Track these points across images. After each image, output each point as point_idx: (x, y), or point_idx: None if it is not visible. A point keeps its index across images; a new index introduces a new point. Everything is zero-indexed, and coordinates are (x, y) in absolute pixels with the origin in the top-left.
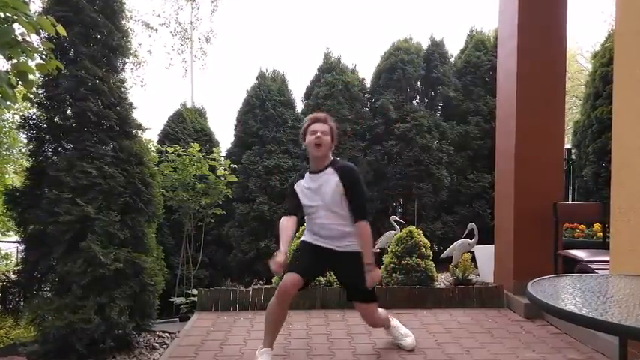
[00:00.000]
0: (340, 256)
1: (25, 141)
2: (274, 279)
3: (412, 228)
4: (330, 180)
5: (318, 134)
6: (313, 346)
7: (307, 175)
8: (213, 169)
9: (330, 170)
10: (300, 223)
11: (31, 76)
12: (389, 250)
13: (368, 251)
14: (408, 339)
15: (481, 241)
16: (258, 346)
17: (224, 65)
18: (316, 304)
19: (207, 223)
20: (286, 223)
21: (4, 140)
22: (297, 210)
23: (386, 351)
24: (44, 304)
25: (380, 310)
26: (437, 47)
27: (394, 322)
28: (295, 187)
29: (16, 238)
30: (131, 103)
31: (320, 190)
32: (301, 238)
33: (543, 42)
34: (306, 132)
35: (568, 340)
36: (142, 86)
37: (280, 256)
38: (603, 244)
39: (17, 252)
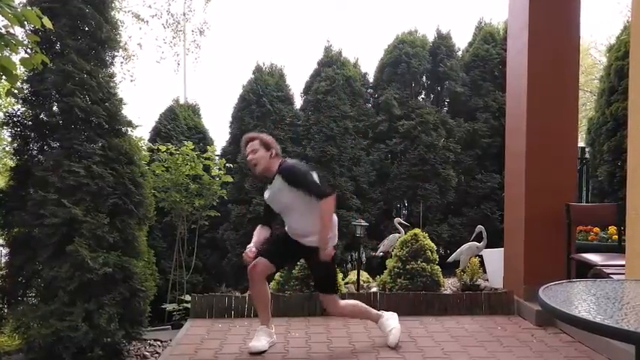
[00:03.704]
0: (307, 250)
1: (9, 139)
2: (272, 284)
3: (417, 231)
4: (278, 184)
5: (250, 156)
6: (313, 356)
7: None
8: (207, 169)
9: (277, 176)
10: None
11: (15, 71)
12: (393, 254)
13: (320, 234)
14: (390, 338)
15: (490, 245)
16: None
17: (219, 59)
18: (316, 311)
19: (201, 226)
20: (260, 230)
21: None
22: (269, 219)
23: None
24: (29, 311)
25: (347, 302)
26: (443, 40)
27: (384, 317)
28: (264, 197)
29: None
30: (121, 99)
31: (275, 196)
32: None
33: (555, 35)
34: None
35: (582, 349)
36: (131, 81)
37: (251, 249)
38: (619, 248)
39: (1, 256)
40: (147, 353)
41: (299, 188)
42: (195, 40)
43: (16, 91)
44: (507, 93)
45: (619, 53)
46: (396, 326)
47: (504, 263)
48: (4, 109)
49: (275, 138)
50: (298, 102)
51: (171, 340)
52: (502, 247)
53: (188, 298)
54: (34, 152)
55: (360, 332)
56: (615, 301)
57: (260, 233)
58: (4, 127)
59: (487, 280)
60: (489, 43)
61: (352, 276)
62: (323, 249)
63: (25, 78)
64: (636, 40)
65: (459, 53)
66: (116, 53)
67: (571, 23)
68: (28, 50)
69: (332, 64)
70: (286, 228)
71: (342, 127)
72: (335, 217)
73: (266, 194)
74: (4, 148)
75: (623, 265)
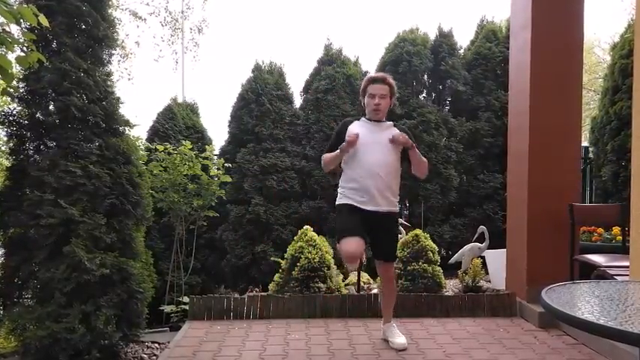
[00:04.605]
0: (380, 218)
1: (5, 138)
2: (271, 286)
3: (418, 231)
4: (392, 131)
5: (377, 99)
6: (313, 358)
7: (365, 120)
8: (205, 169)
9: (390, 124)
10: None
11: (11, 70)
12: None
13: (419, 154)
14: (401, 339)
15: (492, 246)
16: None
17: (217, 57)
18: (316, 313)
19: (199, 226)
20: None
21: None
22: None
23: None
24: (25, 312)
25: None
26: (445, 38)
27: (395, 323)
28: (352, 127)
29: None
30: (118, 98)
31: (382, 132)
32: (340, 202)
33: (559, 33)
34: (365, 92)
35: (585, 352)
36: (129, 80)
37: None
38: (623, 249)
39: None
40: (145, 355)
41: (412, 148)
42: (193, 38)
43: (11, 90)
44: (510, 92)
45: (623, 51)
46: (401, 334)
47: (507, 264)
48: (0, 109)
49: (274, 137)
50: (298, 101)
51: (169, 342)
52: (505, 248)
53: (186, 299)
54: (30, 152)
55: (361, 334)
56: (619, 302)
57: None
58: (0, 127)
59: (489, 281)
60: (492, 41)
61: (352, 277)
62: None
63: (21, 77)
64: None
65: (461, 51)
66: (113, 51)
67: (574, 21)
68: (24, 48)
69: (332, 63)
70: (364, 181)
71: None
72: None
73: (364, 133)
74: None
75: (627, 267)
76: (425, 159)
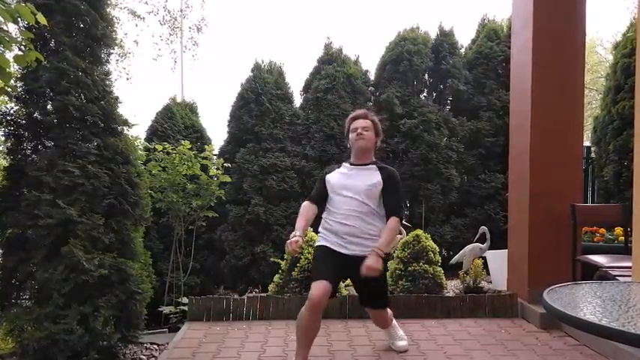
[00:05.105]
0: (359, 262)
1: (3, 138)
2: (270, 287)
3: (419, 232)
4: (372, 175)
5: (360, 130)
6: (313, 359)
7: (347, 164)
8: (205, 169)
9: (373, 167)
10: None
11: (8, 69)
12: (394, 255)
13: (385, 239)
14: (403, 342)
15: (493, 246)
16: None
17: (217, 57)
18: None
19: (198, 227)
20: (307, 208)
21: None
22: (320, 199)
23: None
24: (23, 313)
25: (389, 312)
26: (446, 37)
27: (394, 322)
28: (329, 175)
29: None
30: (116, 98)
31: (359, 178)
32: (318, 244)
33: (560, 32)
34: (349, 131)
35: (587, 353)
36: (127, 79)
37: (297, 236)
38: (625, 249)
39: None
40: (143, 357)
41: (389, 194)
42: (192, 37)
43: (9, 90)
44: (511, 91)
45: (625, 50)
46: (404, 335)
47: (508, 265)
48: None
49: (274, 137)
50: (298, 100)
51: (168, 344)
52: (506, 248)
53: (185, 300)
54: (28, 152)
55: (361, 335)
56: (621, 303)
57: (307, 213)
58: None
59: (490, 282)
60: (493, 41)
61: None
62: (377, 255)
63: (19, 76)
64: None
65: (462, 50)
66: (112, 51)
67: (576, 20)
68: (22, 47)
69: (332, 62)
70: (337, 228)
71: (343, 126)
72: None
73: (340, 179)
74: None
75: (629, 267)
76: (393, 235)
